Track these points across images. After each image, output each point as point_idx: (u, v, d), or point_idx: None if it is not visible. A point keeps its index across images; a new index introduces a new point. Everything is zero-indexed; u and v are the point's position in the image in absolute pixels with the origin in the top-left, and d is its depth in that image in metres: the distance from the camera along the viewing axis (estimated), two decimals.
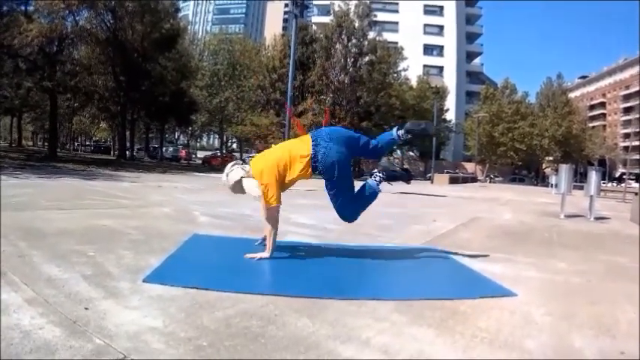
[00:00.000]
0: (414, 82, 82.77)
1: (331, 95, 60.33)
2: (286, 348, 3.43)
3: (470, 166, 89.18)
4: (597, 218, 13.86)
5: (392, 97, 62.98)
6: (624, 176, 64.13)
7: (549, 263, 6.87)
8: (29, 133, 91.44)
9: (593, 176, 14.08)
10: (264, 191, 5.91)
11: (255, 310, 4.23)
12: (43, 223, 7.48)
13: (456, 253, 7.26)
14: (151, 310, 4.05)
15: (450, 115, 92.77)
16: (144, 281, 4.80)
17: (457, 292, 5.10)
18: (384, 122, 63.72)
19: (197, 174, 29.49)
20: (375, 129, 61.80)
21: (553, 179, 31.56)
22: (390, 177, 6.57)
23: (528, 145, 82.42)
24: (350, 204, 6.39)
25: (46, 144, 56.26)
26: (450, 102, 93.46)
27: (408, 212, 13.83)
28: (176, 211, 10.45)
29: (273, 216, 6.03)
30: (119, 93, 45.36)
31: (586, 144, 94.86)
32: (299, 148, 6.15)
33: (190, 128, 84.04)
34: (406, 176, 6.54)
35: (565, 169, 14.93)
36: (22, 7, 34.96)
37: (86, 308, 3.94)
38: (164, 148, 79.10)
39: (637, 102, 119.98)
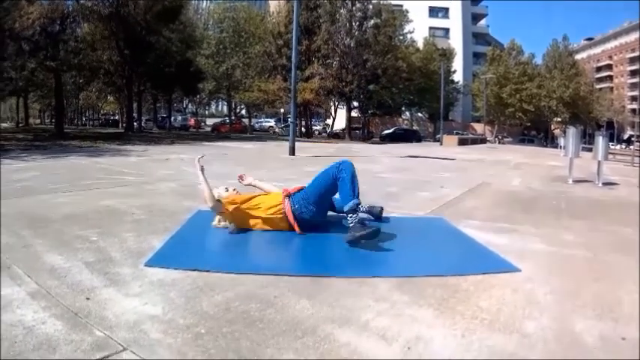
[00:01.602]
0: (420, 45, 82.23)
1: (337, 59, 59.93)
2: (283, 333, 3.45)
3: (479, 127, 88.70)
4: (605, 184, 13.69)
5: (398, 60, 62.46)
6: (633, 139, 63.72)
7: (556, 234, 6.79)
8: (36, 112, 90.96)
9: (601, 141, 13.90)
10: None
11: (254, 292, 4.26)
12: (47, 208, 7.50)
13: (461, 223, 7.21)
14: (151, 296, 4.08)
15: (458, 77, 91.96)
16: (145, 265, 4.84)
17: (461, 267, 5.06)
18: (391, 85, 63.57)
19: (205, 143, 29.34)
20: (382, 91, 61.79)
21: (562, 141, 31.37)
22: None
23: (536, 106, 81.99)
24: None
25: (53, 121, 55.96)
26: (457, 63, 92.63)
27: (416, 178, 13.67)
28: (182, 185, 10.46)
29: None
30: (124, 67, 45.07)
31: (594, 106, 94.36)
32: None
33: (198, 96, 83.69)
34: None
35: (572, 132, 14.75)
36: None
37: (87, 298, 3.98)
38: (172, 118, 79.11)
39: None
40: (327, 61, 60.29)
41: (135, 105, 54.35)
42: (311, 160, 17.94)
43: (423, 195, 10.40)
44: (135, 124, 52.95)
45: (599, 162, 13.78)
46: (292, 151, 21.03)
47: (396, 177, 13.75)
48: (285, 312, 3.83)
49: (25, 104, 66.05)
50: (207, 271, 4.70)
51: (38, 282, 4.31)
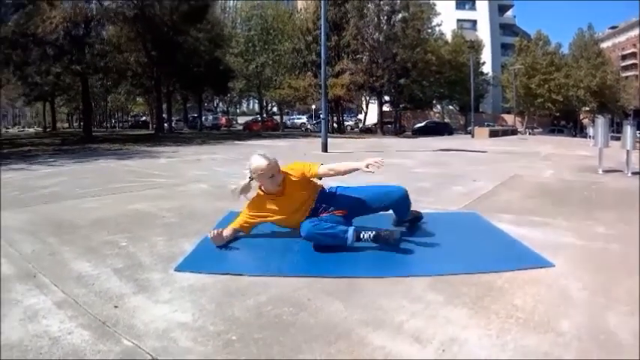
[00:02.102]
0: (448, 37, 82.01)
1: (367, 54, 59.75)
2: (317, 338, 3.38)
3: (509, 118, 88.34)
4: (634, 173, 13.50)
5: (427, 53, 62.31)
6: None
7: (588, 227, 6.70)
8: (64, 115, 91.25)
9: (629, 130, 13.72)
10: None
11: (287, 295, 4.20)
12: (75, 213, 7.48)
13: (495, 218, 7.14)
14: (181, 302, 4.04)
15: (487, 68, 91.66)
16: (176, 270, 4.80)
17: (495, 264, 4.99)
18: (421, 78, 63.49)
19: (236, 142, 29.35)
20: (413, 85, 61.70)
21: (590, 131, 31.04)
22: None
23: (565, 95, 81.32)
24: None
25: (81, 124, 56.13)
26: (486, 55, 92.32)
27: (448, 172, 13.61)
28: (213, 186, 10.43)
29: (329, 167, 6.06)
30: (152, 68, 45.01)
31: (620, 95, 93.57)
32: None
33: (228, 95, 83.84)
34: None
35: (601, 122, 14.53)
36: None
37: (115, 306, 3.94)
38: (203, 117, 79.33)
39: None
40: (357, 57, 59.96)
41: (164, 106, 54.47)
42: (344, 156, 17.85)
43: (457, 189, 10.34)
44: (165, 124, 53.03)
45: (627, 151, 13.61)
46: (325, 148, 21.00)
47: (429, 171, 13.66)
48: (318, 315, 3.78)
49: (52, 108, 66.37)
50: (240, 274, 4.66)
51: (65, 290, 4.28)
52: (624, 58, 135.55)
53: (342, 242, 5.40)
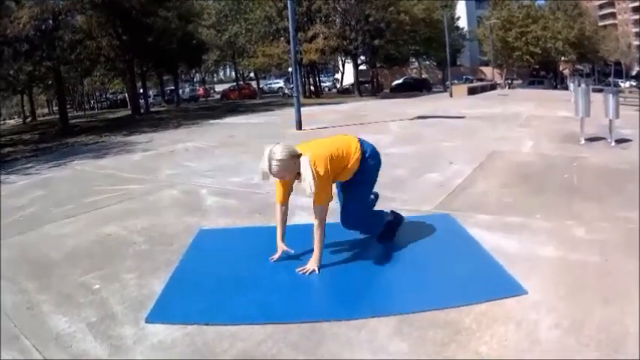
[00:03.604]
0: None
1: (339, 17, 59.48)
2: None
3: (488, 71, 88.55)
4: (618, 141, 13.52)
5: (400, 14, 61.96)
6: None
7: (567, 229, 6.66)
8: (43, 101, 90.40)
9: (610, 99, 13.65)
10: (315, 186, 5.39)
11: (252, 349, 4.23)
12: (50, 244, 7.45)
13: (469, 220, 7.14)
14: None
15: (462, 23, 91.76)
16: (147, 322, 4.82)
17: (465, 294, 4.96)
18: (396, 37, 63.29)
19: (211, 121, 29.14)
20: (387, 45, 61.63)
21: (571, 86, 30.86)
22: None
23: (543, 48, 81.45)
24: (360, 215, 6.07)
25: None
26: (461, 10, 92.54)
27: (424, 151, 13.54)
28: (183, 192, 10.38)
29: (321, 216, 5.59)
30: (124, 52, 44.49)
31: (600, 46, 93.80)
32: (348, 144, 5.90)
33: (203, 66, 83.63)
34: None
35: (581, 91, 14.51)
36: None
37: None
38: (180, 90, 79.04)
39: None
40: (330, 20, 59.64)
41: (140, 84, 54.15)
42: (318, 134, 17.73)
43: (432, 178, 10.30)
44: (141, 101, 52.86)
45: (610, 121, 13.58)
46: (299, 125, 20.86)
47: (405, 151, 13.58)
48: None
49: (30, 99, 65.73)
50: (207, 323, 4.70)
51: (45, 356, 4.34)
52: (601, 7, 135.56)
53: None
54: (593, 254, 5.76)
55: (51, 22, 35.23)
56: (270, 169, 5.38)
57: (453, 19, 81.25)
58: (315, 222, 5.58)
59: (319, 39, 55.91)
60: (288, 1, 23.21)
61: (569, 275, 5.26)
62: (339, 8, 58.51)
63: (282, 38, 59.17)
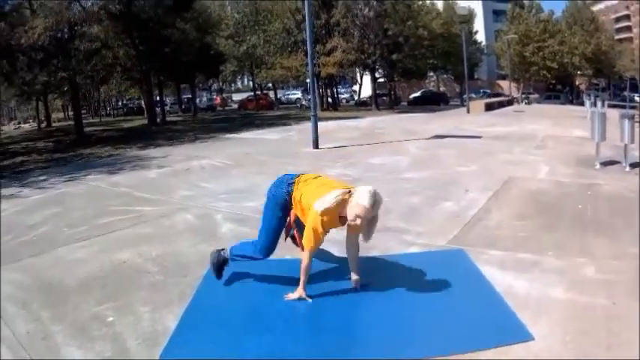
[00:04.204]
0: (440, 6, 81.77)
1: (358, 31, 59.43)
2: None
3: (505, 84, 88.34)
4: (632, 165, 13.57)
5: (419, 28, 62.09)
6: None
7: (578, 268, 6.67)
8: (59, 105, 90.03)
9: (626, 124, 13.70)
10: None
11: None
12: (63, 269, 7.48)
13: (482, 257, 7.16)
14: None
15: (480, 37, 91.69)
16: (161, 358, 4.89)
17: (472, 340, 4.98)
18: (414, 52, 63.36)
19: (228, 135, 29.07)
20: (405, 60, 61.62)
21: (587, 104, 30.78)
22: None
23: (560, 62, 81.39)
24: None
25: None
26: (478, 24, 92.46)
27: (440, 177, 13.39)
28: (197, 217, 10.33)
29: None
30: (140, 62, 44.28)
31: (616, 61, 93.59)
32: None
33: (221, 76, 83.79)
34: None
35: (597, 115, 14.52)
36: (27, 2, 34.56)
37: None
38: (198, 99, 79.19)
39: None
40: (348, 33, 59.60)
41: (157, 93, 54.16)
42: (336, 155, 17.76)
43: (447, 207, 10.26)
44: (158, 109, 52.94)
45: (625, 145, 13.64)
46: (316, 144, 20.79)
47: (421, 176, 13.52)
48: None
49: (45, 106, 65.46)
50: None
51: None
52: (618, 20, 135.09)
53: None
54: (601, 296, 5.78)
55: (67, 32, 35.10)
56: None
57: (471, 33, 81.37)
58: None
59: (337, 52, 55.88)
60: (306, 16, 23.24)
61: (576, 320, 5.28)
62: (357, 22, 58.46)
63: (300, 50, 59.11)
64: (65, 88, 39.93)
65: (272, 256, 6.57)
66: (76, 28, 35.54)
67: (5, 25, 31.47)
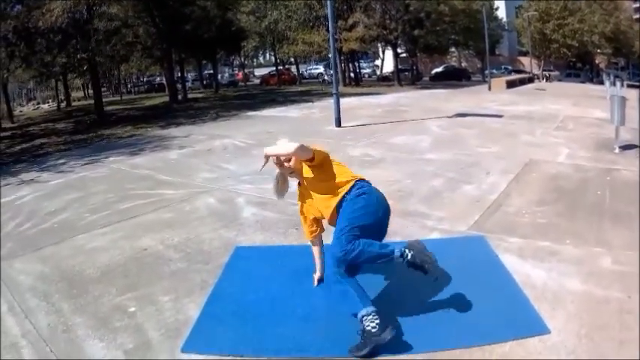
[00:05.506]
0: None
1: (379, 6, 59.01)
2: None
3: (526, 61, 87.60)
4: None
5: (440, 4, 61.52)
6: None
7: (594, 259, 6.66)
8: (79, 84, 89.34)
9: None
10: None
11: None
12: (84, 258, 7.52)
13: (502, 245, 7.18)
14: None
15: (501, 13, 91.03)
16: (182, 351, 4.92)
17: (489, 332, 5.00)
18: (435, 28, 62.85)
19: (250, 113, 29.09)
20: (427, 36, 61.19)
21: (606, 83, 30.55)
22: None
23: (579, 41, 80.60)
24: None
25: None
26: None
27: (463, 158, 13.43)
28: (220, 201, 10.35)
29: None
30: (161, 40, 44.14)
31: (634, 41, 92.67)
32: None
33: (243, 51, 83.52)
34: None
35: (617, 100, 14.38)
36: None
37: None
38: (219, 75, 78.93)
39: None
40: (369, 8, 59.15)
41: (178, 70, 54.07)
42: (359, 134, 17.72)
43: (468, 191, 10.29)
44: (179, 86, 53.02)
45: None
46: (338, 123, 20.76)
47: (442, 158, 13.52)
48: None
49: (64, 85, 64.95)
50: (241, 356, 4.79)
51: None
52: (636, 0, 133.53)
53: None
54: (616, 289, 5.78)
55: (85, 12, 34.90)
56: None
57: (492, 9, 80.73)
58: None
59: (359, 27, 55.48)
60: None
61: (591, 313, 5.29)
62: None
63: (321, 26, 58.77)
64: (84, 68, 39.57)
65: (289, 243, 6.59)
66: (94, 8, 35.28)
67: (23, 8, 31.35)
